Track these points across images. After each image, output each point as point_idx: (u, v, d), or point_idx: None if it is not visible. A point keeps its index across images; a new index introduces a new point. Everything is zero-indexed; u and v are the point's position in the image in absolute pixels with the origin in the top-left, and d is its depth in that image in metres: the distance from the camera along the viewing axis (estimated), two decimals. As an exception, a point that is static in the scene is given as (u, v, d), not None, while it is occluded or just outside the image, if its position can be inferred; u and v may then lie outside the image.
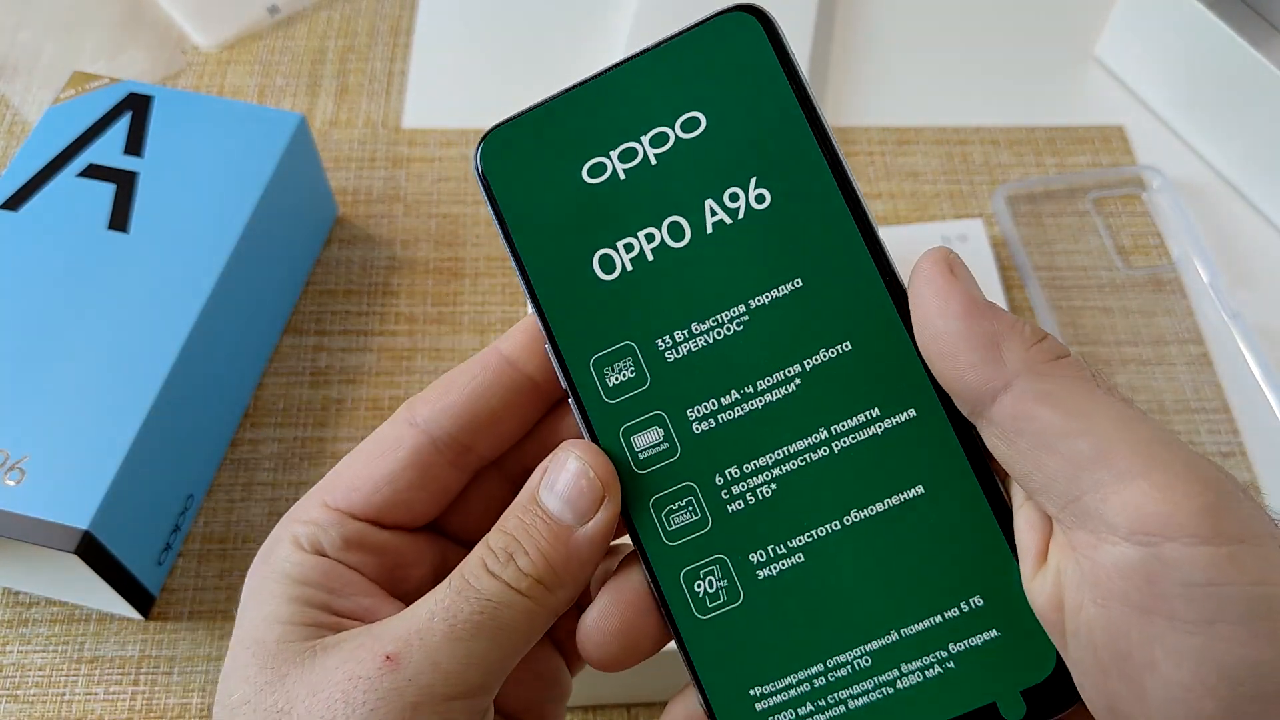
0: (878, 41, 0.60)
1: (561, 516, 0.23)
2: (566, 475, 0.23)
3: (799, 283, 0.24)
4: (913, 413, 0.23)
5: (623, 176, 0.24)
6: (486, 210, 0.28)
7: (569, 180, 0.24)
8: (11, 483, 0.37)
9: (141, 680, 0.40)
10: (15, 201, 0.43)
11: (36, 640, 0.41)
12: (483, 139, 0.25)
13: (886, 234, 0.54)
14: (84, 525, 0.36)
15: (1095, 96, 0.58)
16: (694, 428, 0.23)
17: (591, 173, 0.24)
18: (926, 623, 0.22)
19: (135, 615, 0.41)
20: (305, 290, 0.50)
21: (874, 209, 0.53)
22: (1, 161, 0.54)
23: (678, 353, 0.24)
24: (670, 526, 0.23)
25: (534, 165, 0.25)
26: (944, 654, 0.22)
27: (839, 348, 0.23)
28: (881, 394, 0.23)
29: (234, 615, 0.41)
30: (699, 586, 0.23)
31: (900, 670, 0.22)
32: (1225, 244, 0.53)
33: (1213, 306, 0.50)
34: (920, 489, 0.23)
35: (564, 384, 0.24)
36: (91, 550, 0.36)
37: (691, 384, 0.24)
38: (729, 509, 0.23)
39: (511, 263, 0.25)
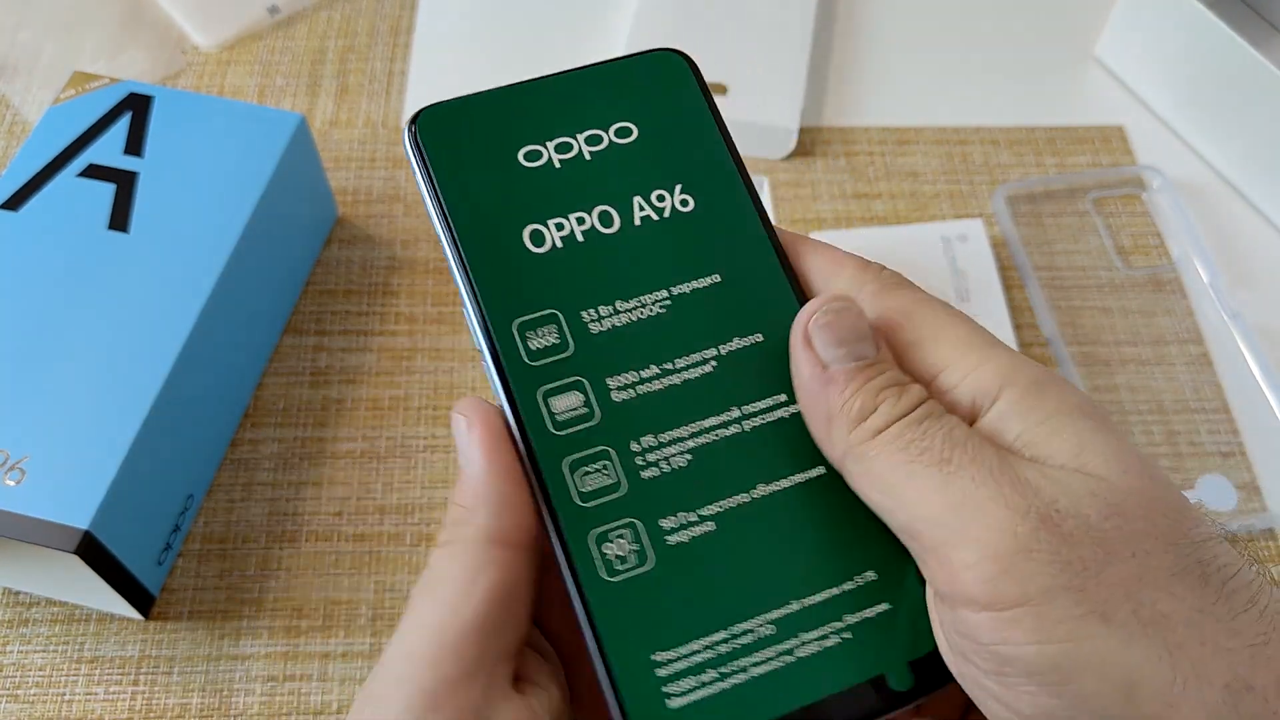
0: (878, 41, 0.60)
1: (464, 467, 0.24)
2: (457, 438, 0.24)
3: (718, 278, 0.26)
4: None
5: (557, 165, 0.26)
6: (416, 181, 0.29)
7: (505, 160, 0.26)
8: (12, 483, 0.37)
9: (141, 680, 0.40)
10: (15, 201, 0.43)
11: (37, 640, 0.41)
12: (419, 112, 0.26)
13: (887, 234, 0.54)
14: (84, 525, 0.36)
15: (1095, 96, 0.58)
16: (613, 396, 0.24)
17: (528, 157, 0.26)
18: (824, 594, 0.24)
19: (135, 615, 0.41)
20: (305, 290, 0.50)
21: (875, 209, 0.53)
22: (2, 161, 0.54)
23: (601, 325, 0.25)
24: (584, 489, 0.24)
25: (470, 142, 0.26)
26: (839, 624, 0.23)
27: (752, 338, 0.25)
28: (788, 383, 0.25)
29: (234, 614, 0.41)
30: (609, 549, 0.23)
31: (799, 639, 0.23)
32: (1225, 244, 0.53)
33: (1213, 306, 0.50)
34: (822, 469, 0.24)
35: (482, 344, 0.25)
36: (91, 550, 0.36)
37: (613, 355, 0.25)
38: (643, 475, 0.24)
39: (439, 231, 0.25)
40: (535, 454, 0.24)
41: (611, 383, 0.24)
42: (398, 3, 0.60)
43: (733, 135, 0.27)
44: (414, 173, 0.26)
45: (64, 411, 0.38)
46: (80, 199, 0.43)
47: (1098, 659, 0.19)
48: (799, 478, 0.24)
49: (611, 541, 0.23)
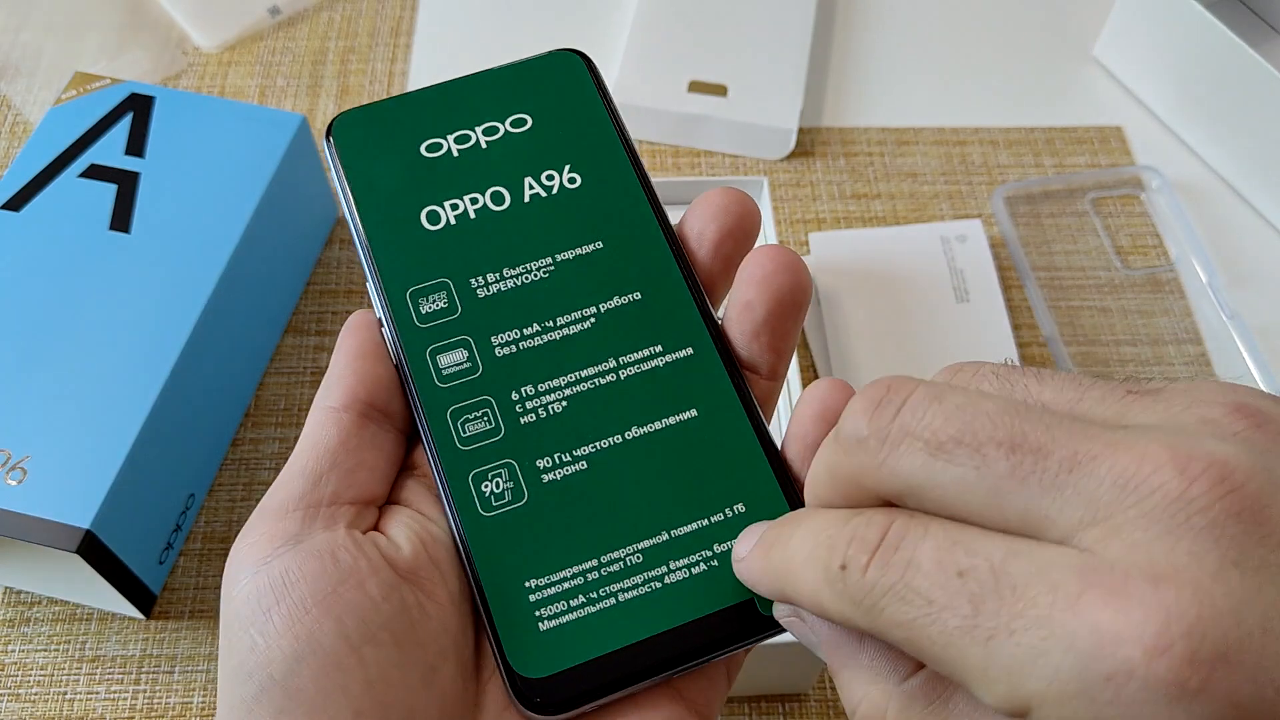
0: (878, 42, 0.60)
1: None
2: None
3: (600, 244, 0.28)
4: (690, 351, 0.27)
5: (455, 154, 0.29)
6: (333, 179, 0.33)
7: (409, 153, 0.29)
8: (13, 482, 0.37)
9: (143, 679, 0.40)
10: (17, 202, 0.43)
11: (38, 639, 0.41)
12: (335, 117, 0.29)
13: (886, 234, 0.54)
14: (86, 525, 0.36)
15: (1094, 97, 0.58)
16: (496, 351, 0.27)
17: (429, 149, 0.29)
18: (694, 525, 0.25)
19: (137, 614, 0.41)
20: (306, 290, 0.50)
21: (874, 209, 0.53)
22: (3, 162, 0.54)
23: (488, 290, 0.27)
24: (465, 434, 0.26)
25: (379, 139, 0.29)
26: (708, 554, 0.25)
27: (630, 297, 0.27)
28: (664, 335, 0.27)
29: (235, 614, 0.42)
30: (486, 487, 0.26)
31: (669, 567, 0.25)
32: (1223, 244, 0.53)
33: (1211, 307, 0.50)
34: (693, 412, 0.26)
35: (380, 312, 0.27)
36: (93, 550, 0.36)
37: (498, 316, 0.27)
38: (521, 421, 0.26)
39: (347, 218, 0.28)
40: (422, 405, 0.26)
41: (495, 340, 0.27)
42: (398, 3, 0.61)
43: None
44: (331, 173, 0.29)
45: (65, 411, 0.38)
46: (82, 199, 0.43)
47: None
48: (671, 420, 0.26)
49: (489, 480, 0.26)
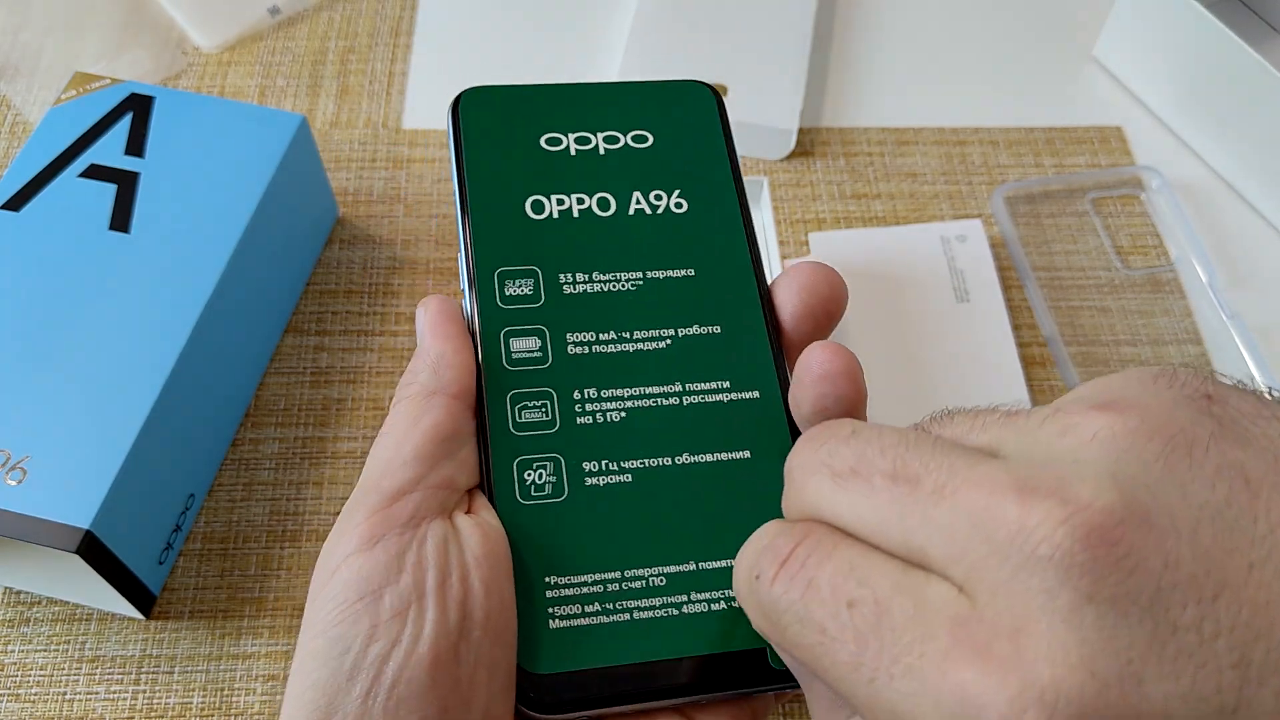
0: (878, 42, 0.60)
1: (418, 342, 0.27)
2: (416, 322, 0.28)
3: (692, 272, 0.28)
4: (755, 394, 0.27)
5: (573, 154, 0.29)
6: (449, 151, 0.34)
7: (527, 141, 0.29)
8: (13, 482, 0.37)
9: (143, 679, 0.40)
10: (17, 202, 0.43)
11: (38, 640, 0.41)
12: (464, 91, 0.30)
13: (886, 234, 0.54)
14: (85, 525, 0.36)
15: (1094, 97, 0.58)
16: (569, 349, 0.27)
17: (548, 143, 0.29)
18: (722, 562, 0.25)
19: (136, 615, 0.41)
20: (306, 290, 0.50)
21: (874, 209, 0.53)
22: (3, 162, 0.54)
23: (574, 289, 0.28)
24: (520, 419, 0.26)
25: (502, 121, 0.30)
26: (731, 594, 0.24)
27: (710, 329, 0.27)
28: (735, 372, 0.27)
29: (235, 614, 0.41)
30: (529, 475, 0.26)
31: (689, 597, 0.25)
32: (1223, 244, 0.53)
33: (1211, 307, 0.50)
34: (747, 453, 0.26)
35: (465, 282, 0.28)
36: (93, 550, 0.36)
37: (578, 315, 0.27)
38: (578, 420, 0.26)
39: (455, 190, 0.29)
40: (485, 383, 0.26)
41: (570, 337, 0.27)
42: (398, 3, 0.61)
43: (733, 135, 0.30)
44: (448, 143, 0.30)
45: (65, 411, 0.38)
46: (81, 199, 0.43)
47: None
48: (723, 455, 0.26)
49: (534, 469, 0.26)
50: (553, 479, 0.26)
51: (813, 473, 0.21)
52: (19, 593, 0.42)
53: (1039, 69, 0.59)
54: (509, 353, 0.27)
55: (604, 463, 0.26)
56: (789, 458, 0.22)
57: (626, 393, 0.27)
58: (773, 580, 0.20)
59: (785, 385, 0.27)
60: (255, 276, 0.45)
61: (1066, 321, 0.50)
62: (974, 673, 0.16)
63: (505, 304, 0.27)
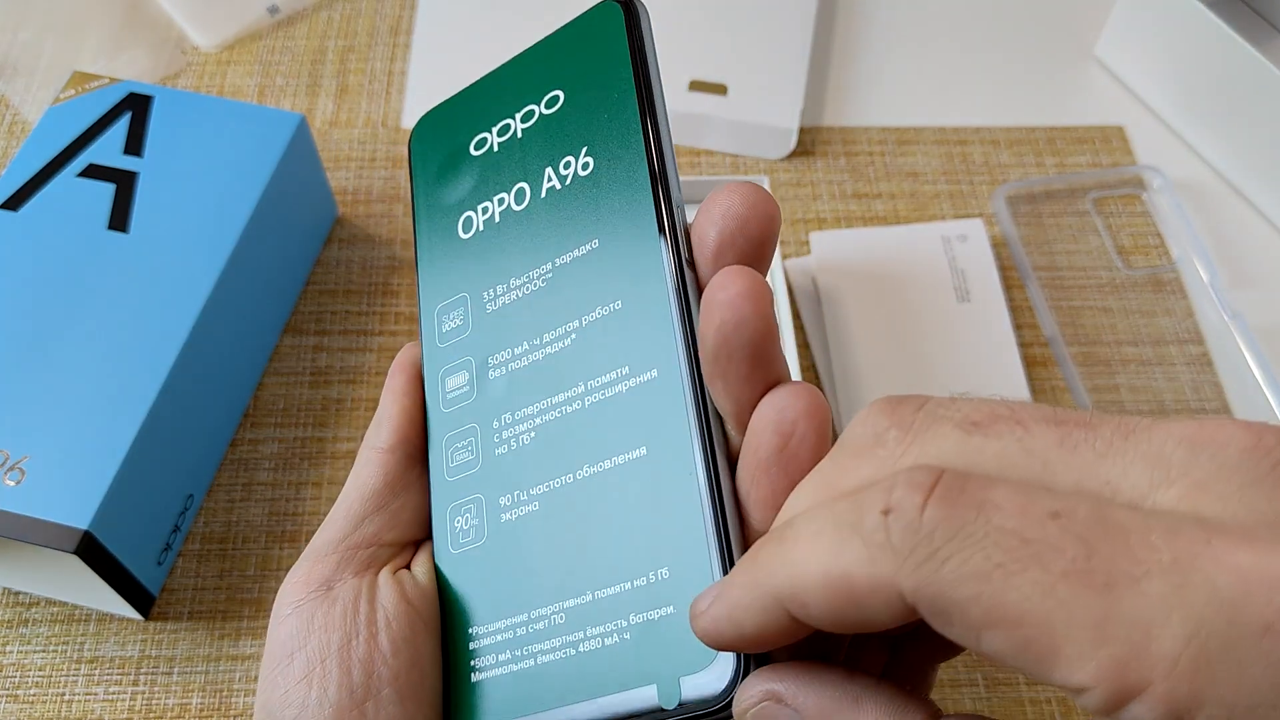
0: (878, 41, 0.60)
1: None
2: None
3: (596, 244, 0.24)
4: (655, 373, 0.22)
5: (496, 149, 0.27)
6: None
7: (460, 155, 0.27)
8: (11, 483, 0.37)
9: (141, 680, 0.40)
10: (15, 201, 0.43)
11: (36, 640, 0.41)
12: (415, 125, 0.28)
13: (887, 234, 0.54)
14: (84, 525, 0.36)
15: (1095, 96, 0.58)
16: (490, 374, 0.25)
17: (476, 146, 0.27)
18: (616, 588, 0.22)
19: (135, 615, 0.41)
20: (305, 290, 0.50)
21: (875, 209, 0.53)
22: (1, 161, 0.54)
23: (495, 305, 0.25)
24: (452, 464, 0.25)
25: (442, 143, 0.28)
26: (624, 623, 0.21)
27: (611, 306, 0.23)
28: (633, 354, 0.23)
29: (234, 615, 0.41)
30: (458, 522, 0.24)
31: (585, 633, 0.22)
32: (1225, 244, 0.53)
33: (1213, 306, 0.50)
34: (644, 450, 0.22)
35: (421, 329, 0.26)
36: (91, 550, 0.36)
37: (498, 334, 0.25)
38: (496, 452, 0.24)
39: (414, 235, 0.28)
40: (429, 432, 0.25)
41: (491, 360, 0.25)
42: (398, 3, 0.60)
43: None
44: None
45: (64, 412, 0.38)
46: (80, 199, 0.43)
47: None
48: (620, 459, 0.22)
49: (461, 516, 0.24)
50: (475, 522, 0.24)
51: (925, 428, 0.17)
52: (18, 593, 0.42)
53: (1040, 68, 0.59)
54: (444, 393, 0.25)
55: (515, 494, 0.24)
56: (856, 427, 0.18)
57: (536, 408, 0.24)
58: (922, 507, 0.16)
59: (692, 349, 0.22)
60: (254, 276, 0.45)
61: (1068, 321, 0.50)
62: (1250, 555, 0.14)
63: (442, 342, 0.26)
